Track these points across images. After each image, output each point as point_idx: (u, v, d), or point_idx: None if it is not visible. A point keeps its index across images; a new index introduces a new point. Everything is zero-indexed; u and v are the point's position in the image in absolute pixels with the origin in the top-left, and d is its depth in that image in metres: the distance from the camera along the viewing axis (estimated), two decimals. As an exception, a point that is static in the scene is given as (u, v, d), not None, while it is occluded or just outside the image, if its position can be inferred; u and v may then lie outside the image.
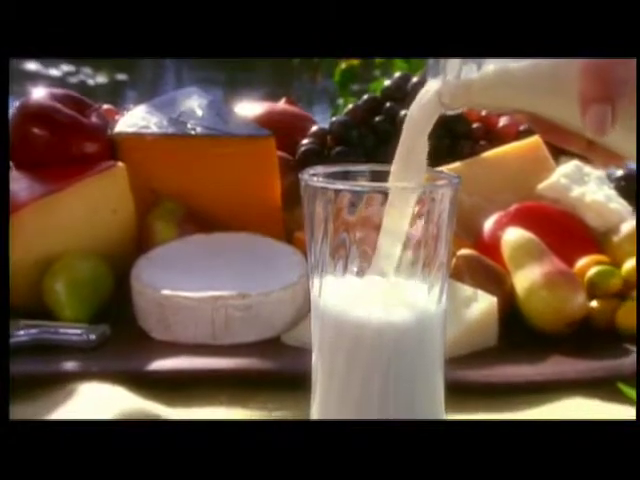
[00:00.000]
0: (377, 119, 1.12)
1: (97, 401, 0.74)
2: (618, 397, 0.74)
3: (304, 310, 0.87)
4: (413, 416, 0.62)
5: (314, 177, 0.61)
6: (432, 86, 0.61)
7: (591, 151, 0.61)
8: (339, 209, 0.60)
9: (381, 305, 0.61)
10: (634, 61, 0.55)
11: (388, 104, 1.13)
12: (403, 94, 1.13)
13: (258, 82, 5.83)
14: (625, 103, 0.55)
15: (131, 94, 6.12)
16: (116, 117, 1.10)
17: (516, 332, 0.89)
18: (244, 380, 0.79)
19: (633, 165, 1.08)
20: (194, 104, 1.08)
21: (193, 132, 1.03)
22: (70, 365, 0.81)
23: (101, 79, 6.41)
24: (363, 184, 0.63)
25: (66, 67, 6.38)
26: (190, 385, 0.79)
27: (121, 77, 6.52)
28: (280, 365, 0.81)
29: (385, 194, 0.60)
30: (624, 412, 0.73)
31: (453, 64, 0.60)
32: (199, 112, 1.06)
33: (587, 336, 0.89)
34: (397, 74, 1.19)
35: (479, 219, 1.00)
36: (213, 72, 5.96)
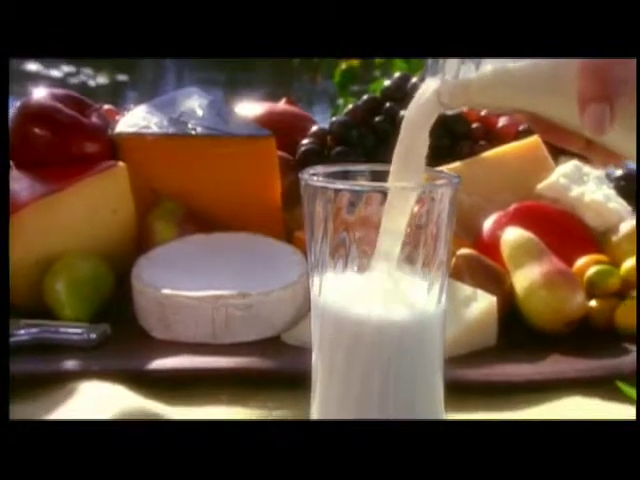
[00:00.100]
0: (377, 119, 1.12)
1: (98, 400, 0.75)
2: (618, 396, 0.74)
3: (304, 309, 0.87)
4: (413, 414, 0.62)
5: (314, 177, 0.61)
6: (430, 85, 0.62)
7: (590, 151, 0.61)
8: (339, 208, 0.60)
9: (381, 302, 0.61)
10: (633, 61, 0.55)
11: (388, 104, 1.13)
12: (403, 94, 1.13)
13: (258, 82, 5.83)
14: (624, 102, 0.55)
15: (132, 94, 6.12)
16: (117, 117, 1.10)
17: (516, 331, 0.89)
18: (244, 379, 0.79)
19: (632, 165, 1.08)
20: (194, 104, 1.08)
21: (193, 132, 1.03)
22: (70, 364, 0.81)
23: (102, 80, 6.41)
24: (363, 184, 0.63)
25: (67, 68, 6.38)
26: (190, 384, 0.79)
27: (122, 78, 6.52)
28: (280, 364, 0.81)
29: (384, 194, 0.60)
30: (624, 411, 0.73)
31: (452, 64, 0.60)
32: (199, 112, 1.06)
33: (586, 335, 0.89)
34: (397, 74, 1.19)
35: (479, 219, 1.00)
36: (213, 72, 5.96)
